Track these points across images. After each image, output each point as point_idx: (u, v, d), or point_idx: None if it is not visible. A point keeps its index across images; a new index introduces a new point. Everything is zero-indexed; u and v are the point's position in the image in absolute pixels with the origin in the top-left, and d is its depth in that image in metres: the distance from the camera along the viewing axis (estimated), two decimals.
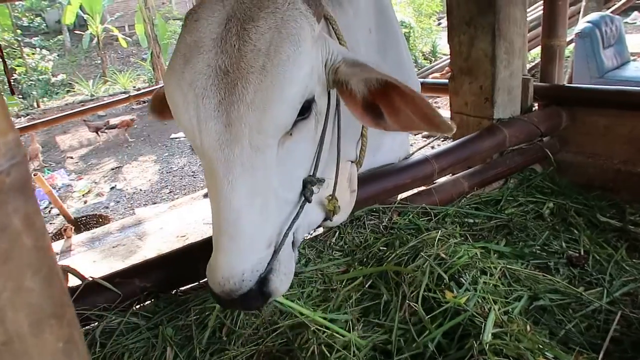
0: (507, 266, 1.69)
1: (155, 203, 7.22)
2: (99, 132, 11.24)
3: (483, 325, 1.31)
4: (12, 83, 15.55)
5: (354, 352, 1.32)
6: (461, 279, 1.57)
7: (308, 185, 1.22)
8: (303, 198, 1.21)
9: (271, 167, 1.08)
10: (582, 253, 1.85)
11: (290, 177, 1.17)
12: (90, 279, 1.54)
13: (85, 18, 17.28)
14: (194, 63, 1.05)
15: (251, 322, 1.55)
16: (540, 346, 1.28)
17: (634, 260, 1.81)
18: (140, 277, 1.54)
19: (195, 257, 1.65)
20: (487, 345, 1.24)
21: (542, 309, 1.53)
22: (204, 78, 1.03)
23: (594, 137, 2.48)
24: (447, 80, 2.76)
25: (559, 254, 1.86)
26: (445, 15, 2.65)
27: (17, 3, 16.28)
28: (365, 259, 1.76)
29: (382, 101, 1.18)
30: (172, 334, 1.49)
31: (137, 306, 1.56)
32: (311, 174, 1.24)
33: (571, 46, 6.93)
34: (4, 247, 0.32)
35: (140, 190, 8.09)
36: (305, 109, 1.12)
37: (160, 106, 1.48)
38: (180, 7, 20.94)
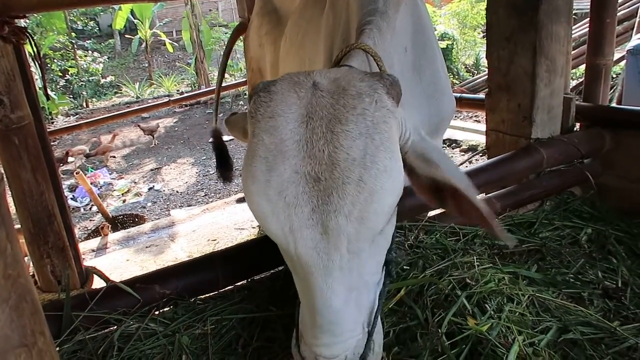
0: (537, 294, 1.61)
1: (190, 205, 7.35)
2: (153, 134, 11.55)
3: (505, 357, 1.25)
4: (65, 84, 16.29)
5: None
6: (486, 305, 1.52)
7: (392, 263, 1.24)
8: (388, 277, 1.25)
9: (365, 265, 1.08)
10: (619, 284, 1.75)
11: (378, 263, 1.17)
12: (113, 282, 1.56)
13: (135, 23, 17.92)
14: (281, 170, 1.00)
15: (267, 336, 1.54)
16: None
17: None
18: (160, 284, 1.56)
19: (215, 266, 1.66)
20: None
21: (572, 342, 1.45)
22: (294, 186, 1.00)
23: None
24: (484, 96, 2.68)
25: (594, 284, 1.76)
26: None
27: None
28: None
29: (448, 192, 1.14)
30: (188, 342, 1.49)
31: (156, 312, 1.57)
32: (391, 250, 1.24)
33: (622, 63, 6.63)
34: None
35: (177, 192, 8.26)
36: None
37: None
38: (225, 14, 21.41)
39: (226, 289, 1.70)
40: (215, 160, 2.94)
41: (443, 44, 12.24)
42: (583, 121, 2.57)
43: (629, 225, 2.11)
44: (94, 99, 16.95)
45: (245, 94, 12.28)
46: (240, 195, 5.98)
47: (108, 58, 19.67)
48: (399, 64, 1.65)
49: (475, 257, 1.78)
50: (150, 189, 8.62)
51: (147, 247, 4.90)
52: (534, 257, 1.92)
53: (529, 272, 1.79)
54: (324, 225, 0.99)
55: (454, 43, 13.08)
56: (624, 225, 2.11)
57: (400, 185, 1.04)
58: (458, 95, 3.27)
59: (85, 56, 17.93)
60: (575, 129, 2.57)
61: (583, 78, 2.91)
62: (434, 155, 1.14)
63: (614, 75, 7.72)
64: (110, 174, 9.66)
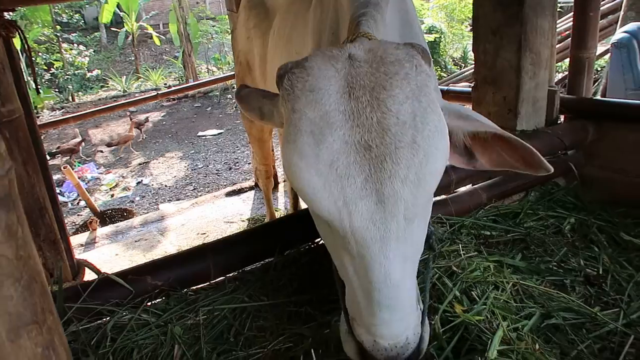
0: (521, 282, 1.66)
1: (179, 199, 7.33)
2: (140, 128, 11.43)
3: (489, 342, 1.29)
4: (50, 77, 16.06)
5: None
6: (472, 292, 1.56)
7: (432, 235, 1.20)
8: (431, 250, 1.18)
9: (417, 232, 1.06)
10: (600, 272, 1.80)
11: (425, 232, 1.13)
12: (105, 274, 1.58)
13: (121, 16, 17.70)
14: (329, 142, 0.97)
15: (258, 325, 1.57)
16: None
17: None
18: (152, 275, 1.57)
19: (206, 257, 1.68)
20: None
21: (554, 327, 1.50)
22: (344, 156, 0.97)
23: (622, 152, 2.41)
24: (470, 89, 2.72)
25: (576, 271, 1.81)
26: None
27: None
28: None
29: (477, 145, 1.16)
30: (181, 333, 1.51)
31: (148, 303, 1.59)
32: (430, 223, 1.19)
33: (606, 56, 6.73)
34: None
35: (165, 186, 8.22)
36: None
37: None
38: (213, 7, 21.23)
39: (218, 280, 1.72)
40: None
41: (431, 37, 12.28)
42: (567, 113, 2.62)
43: (611, 214, 2.17)
44: (80, 93, 16.72)
45: (234, 88, 12.23)
46: (230, 188, 5.98)
47: (94, 51, 19.40)
48: None
49: (461, 246, 1.82)
50: (138, 183, 8.57)
51: (136, 241, 4.89)
52: (518, 246, 1.97)
53: (514, 260, 1.84)
54: (379, 193, 0.97)
55: (442, 36, 13.13)
56: (606, 214, 2.17)
57: (448, 146, 1.04)
58: (445, 88, 3.31)
59: (71, 49, 17.67)
60: (559, 121, 2.62)
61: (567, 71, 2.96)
62: (469, 112, 1.15)
63: (599, 69, 7.83)
64: (97, 169, 9.58)
